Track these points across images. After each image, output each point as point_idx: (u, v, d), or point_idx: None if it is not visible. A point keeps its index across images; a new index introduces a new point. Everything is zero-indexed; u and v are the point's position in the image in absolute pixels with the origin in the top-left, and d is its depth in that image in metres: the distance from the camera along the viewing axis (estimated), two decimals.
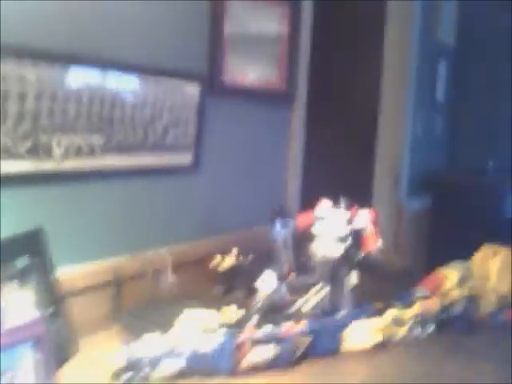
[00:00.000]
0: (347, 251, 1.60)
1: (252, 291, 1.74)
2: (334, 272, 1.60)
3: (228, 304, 1.60)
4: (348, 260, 1.60)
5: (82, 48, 1.56)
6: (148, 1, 1.76)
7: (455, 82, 3.94)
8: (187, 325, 1.40)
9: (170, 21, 1.86)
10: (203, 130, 2.02)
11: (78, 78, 1.54)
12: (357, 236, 1.61)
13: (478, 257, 1.82)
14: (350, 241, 1.59)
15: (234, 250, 1.95)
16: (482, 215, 3.25)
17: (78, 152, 1.57)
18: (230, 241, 2.05)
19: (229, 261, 1.94)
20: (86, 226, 1.64)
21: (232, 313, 1.49)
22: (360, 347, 1.51)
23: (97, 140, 1.62)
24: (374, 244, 1.60)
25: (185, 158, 2.00)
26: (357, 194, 1.75)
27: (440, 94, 3.85)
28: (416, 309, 1.63)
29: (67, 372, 1.29)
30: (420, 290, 1.73)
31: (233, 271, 1.93)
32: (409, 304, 1.65)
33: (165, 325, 1.41)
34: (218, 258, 1.94)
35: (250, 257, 1.94)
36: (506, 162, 3.47)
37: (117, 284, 1.65)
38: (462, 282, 1.75)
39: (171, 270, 1.78)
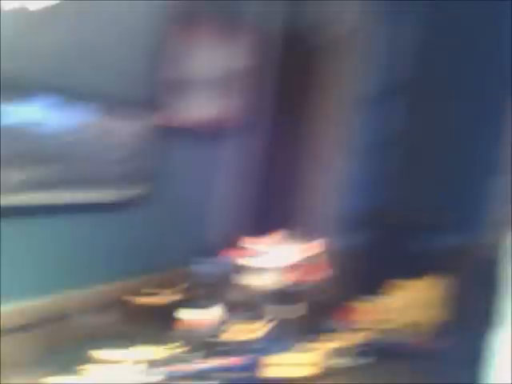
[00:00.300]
0: (287, 283, 1.61)
1: (190, 328, 1.72)
2: (276, 303, 1.61)
3: (164, 342, 1.58)
4: (286, 293, 1.61)
5: (34, 78, 1.53)
6: (106, 35, 1.75)
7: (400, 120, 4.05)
8: (120, 364, 1.37)
9: (126, 56, 1.85)
10: (155, 164, 2.02)
11: (27, 109, 1.51)
12: (301, 267, 1.63)
13: (397, 290, 1.88)
14: (292, 272, 1.61)
15: (179, 286, 1.92)
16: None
17: (29, 185, 1.54)
18: (168, 277, 2.03)
19: (165, 297, 1.91)
20: (15, 264, 1.59)
21: (170, 348, 1.46)
22: (298, 376, 1.52)
23: (46, 174, 1.59)
24: (318, 275, 1.62)
25: (134, 193, 1.97)
26: (293, 229, 1.78)
27: (382, 134, 3.98)
28: (346, 339, 1.65)
29: None
30: (348, 323, 1.75)
31: (169, 308, 1.90)
32: (341, 334, 1.67)
33: (93, 364, 1.37)
34: (155, 294, 1.91)
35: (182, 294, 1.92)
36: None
37: (43, 324, 1.59)
38: (387, 313, 1.78)
39: (103, 309, 1.74)
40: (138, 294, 1.91)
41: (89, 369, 1.34)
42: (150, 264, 2.05)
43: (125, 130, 1.86)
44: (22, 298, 1.58)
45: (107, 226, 1.90)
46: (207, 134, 2.28)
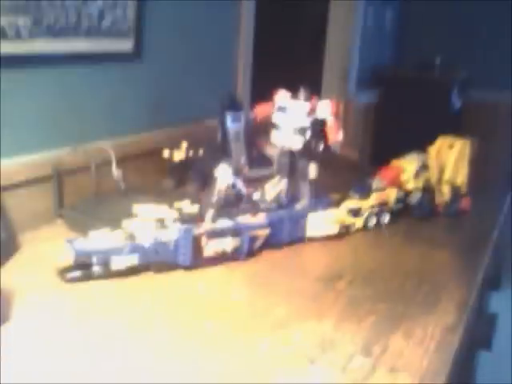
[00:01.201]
0: (307, 143, 1.52)
1: (205, 185, 1.68)
2: (293, 164, 1.53)
3: (180, 198, 1.52)
4: (308, 152, 1.52)
5: None
6: None
7: None
8: (140, 219, 1.31)
9: None
10: (144, 14, 1.85)
11: None
12: (318, 127, 1.52)
13: (434, 149, 1.80)
14: (310, 132, 1.51)
15: (184, 144, 1.86)
16: (429, 109, 3.25)
17: (2, 35, 1.38)
18: (178, 134, 1.94)
19: (179, 154, 1.84)
20: (20, 117, 1.48)
21: (186, 207, 1.40)
22: (318, 237, 1.50)
23: (23, 22, 1.43)
24: (335, 137, 1.52)
25: (125, 45, 1.84)
26: (307, 87, 1.65)
27: None
28: (372, 199, 1.62)
29: (9, 270, 1.20)
30: (377, 182, 1.70)
31: (184, 164, 1.85)
32: (366, 195, 1.63)
33: (113, 220, 1.31)
34: (167, 151, 1.85)
35: (202, 150, 1.86)
36: (455, 58, 3.44)
37: (58, 177, 1.52)
38: (419, 173, 1.74)
39: (116, 164, 1.66)
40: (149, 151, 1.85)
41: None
42: (157, 122, 1.96)
43: None
44: (34, 150, 1.50)
45: (106, 78, 1.78)
46: None
